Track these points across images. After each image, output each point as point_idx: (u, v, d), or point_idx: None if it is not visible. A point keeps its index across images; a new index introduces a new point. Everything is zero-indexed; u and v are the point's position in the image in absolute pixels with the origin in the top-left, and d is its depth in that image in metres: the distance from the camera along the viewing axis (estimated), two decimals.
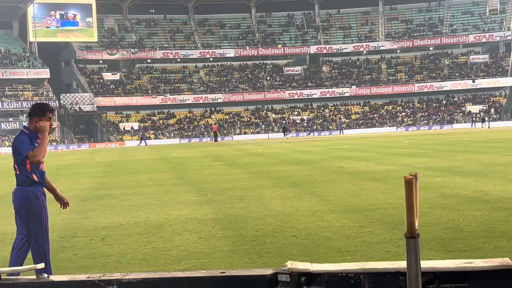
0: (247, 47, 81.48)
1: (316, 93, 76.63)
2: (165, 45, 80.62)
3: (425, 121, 73.32)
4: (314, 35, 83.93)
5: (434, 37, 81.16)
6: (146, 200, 12.27)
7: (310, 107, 77.52)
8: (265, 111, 76.50)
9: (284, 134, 63.79)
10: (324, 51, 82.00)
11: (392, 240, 6.96)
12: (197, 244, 7.33)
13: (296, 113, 76.57)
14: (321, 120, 74.97)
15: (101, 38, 79.04)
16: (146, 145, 59.28)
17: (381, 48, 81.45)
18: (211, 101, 75.73)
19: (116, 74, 76.47)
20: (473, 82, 75.67)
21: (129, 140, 66.59)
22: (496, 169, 14.93)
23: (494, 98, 76.29)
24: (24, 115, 62.07)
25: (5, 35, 77.36)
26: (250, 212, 9.76)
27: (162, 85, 77.03)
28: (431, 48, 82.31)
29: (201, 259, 6.52)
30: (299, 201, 10.80)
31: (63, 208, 5.62)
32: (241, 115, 75.77)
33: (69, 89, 76.60)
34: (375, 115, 75.50)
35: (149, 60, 79.84)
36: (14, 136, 6.89)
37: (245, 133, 71.25)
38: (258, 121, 74.65)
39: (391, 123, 72.99)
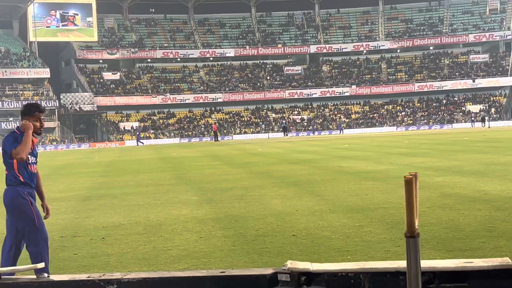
0: (247, 47, 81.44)
1: (316, 92, 76.60)
2: (165, 45, 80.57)
3: (425, 121, 73.26)
4: (314, 35, 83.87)
5: (434, 36, 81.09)
6: (146, 199, 12.26)
7: (310, 106, 77.47)
8: (265, 110, 76.45)
9: (284, 133, 63.74)
10: (324, 51, 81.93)
11: (392, 240, 6.96)
12: (197, 244, 7.33)
13: (296, 112, 76.53)
14: (321, 120, 74.93)
15: (101, 38, 78.99)
16: (142, 144, 59.48)
17: (381, 47, 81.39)
18: (211, 101, 75.69)
19: (116, 73, 76.43)
20: (473, 81, 75.61)
21: (129, 139, 66.56)
22: (496, 169, 14.93)
23: (494, 98, 76.23)
24: None
25: (5, 34, 77.35)
26: (250, 212, 9.76)
27: (162, 85, 76.99)
28: (431, 48, 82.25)
29: (201, 258, 6.52)
30: (299, 201, 10.79)
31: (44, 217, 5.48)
32: (241, 114, 75.73)
33: (69, 89, 76.55)
34: (375, 115, 75.45)
35: (149, 60, 79.79)
36: None
37: (245, 132, 71.22)
38: (258, 120, 74.60)
39: (391, 123, 72.94)
